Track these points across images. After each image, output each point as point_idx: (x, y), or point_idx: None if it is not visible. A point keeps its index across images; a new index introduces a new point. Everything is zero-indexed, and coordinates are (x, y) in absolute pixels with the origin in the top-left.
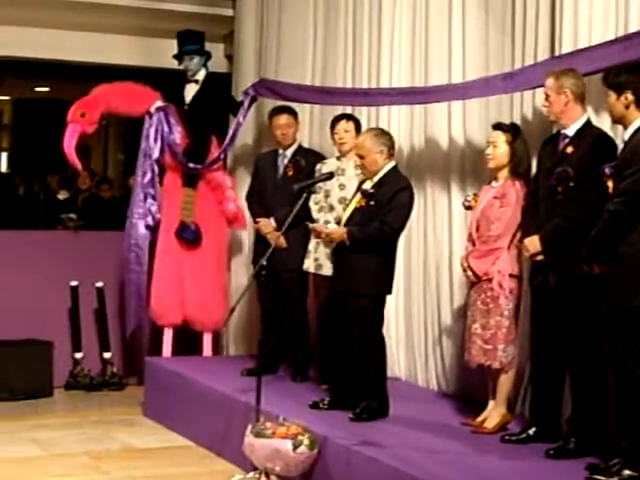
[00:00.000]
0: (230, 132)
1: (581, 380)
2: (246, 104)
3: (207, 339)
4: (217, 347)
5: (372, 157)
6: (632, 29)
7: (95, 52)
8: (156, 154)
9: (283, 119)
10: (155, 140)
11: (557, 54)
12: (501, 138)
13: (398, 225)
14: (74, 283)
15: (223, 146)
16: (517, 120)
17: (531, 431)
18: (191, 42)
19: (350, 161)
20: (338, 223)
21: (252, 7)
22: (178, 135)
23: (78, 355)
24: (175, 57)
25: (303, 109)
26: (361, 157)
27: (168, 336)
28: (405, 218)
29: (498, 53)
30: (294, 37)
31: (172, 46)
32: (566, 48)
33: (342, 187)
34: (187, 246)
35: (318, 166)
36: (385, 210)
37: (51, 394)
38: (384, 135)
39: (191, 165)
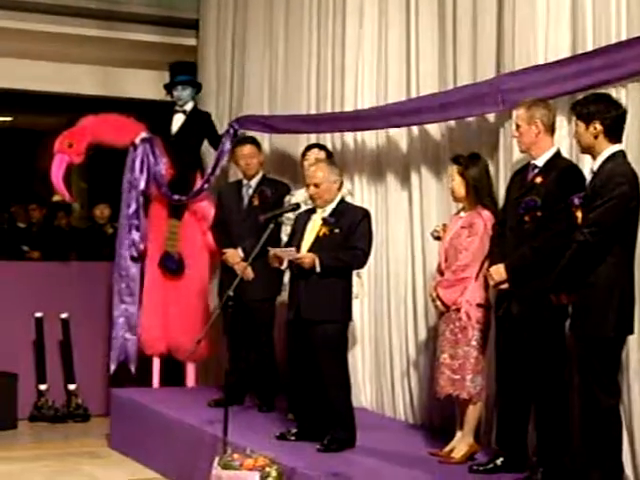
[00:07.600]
0: (213, 162)
1: (546, 410)
2: (230, 136)
3: (190, 369)
4: (206, 377)
5: (328, 185)
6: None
7: (60, 82)
8: (142, 185)
9: (246, 149)
10: (141, 171)
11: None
12: (454, 171)
13: (369, 250)
14: (39, 314)
15: (206, 176)
16: None
17: (498, 461)
18: (185, 72)
19: None
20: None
21: (213, 37)
22: (163, 166)
23: (43, 387)
24: (166, 87)
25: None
26: (316, 186)
27: (156, 366)
28: (371, 244)
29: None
30: (256, 64)
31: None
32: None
33: None
34: (171, 276)
35: (287, 197)
36: (355, 237)
37: (15, 426)
38: (336, 167)
39: (176, 197)
